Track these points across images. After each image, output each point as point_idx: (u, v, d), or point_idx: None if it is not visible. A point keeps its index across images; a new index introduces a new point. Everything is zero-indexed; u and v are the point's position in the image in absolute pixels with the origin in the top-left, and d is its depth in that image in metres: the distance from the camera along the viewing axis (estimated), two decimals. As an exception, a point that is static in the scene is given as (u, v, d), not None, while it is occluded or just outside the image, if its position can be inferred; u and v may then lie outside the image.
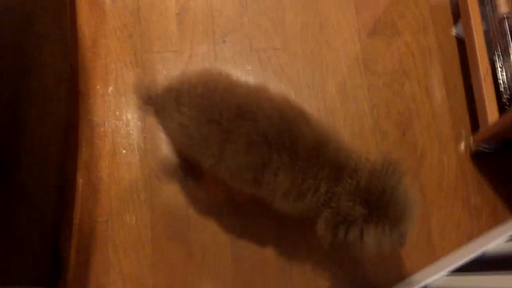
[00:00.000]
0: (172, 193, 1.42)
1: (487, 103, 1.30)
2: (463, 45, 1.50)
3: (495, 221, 1.39)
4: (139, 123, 1.49)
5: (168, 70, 1.53)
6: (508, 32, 1.25)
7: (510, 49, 1.26)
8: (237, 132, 0.96)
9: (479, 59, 1.34)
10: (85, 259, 1.38)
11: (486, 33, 1.39)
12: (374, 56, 1.54)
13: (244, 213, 1.39)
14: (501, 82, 1.31)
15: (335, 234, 0.94)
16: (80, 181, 1.44)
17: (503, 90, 1.30)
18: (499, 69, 1.32)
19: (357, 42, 1.56)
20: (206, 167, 1.08)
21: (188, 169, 1.41)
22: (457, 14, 1.55)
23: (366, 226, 0.91)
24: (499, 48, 1.32)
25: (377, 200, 0.91)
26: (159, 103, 1.06)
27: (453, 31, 1.55)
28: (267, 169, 0.97)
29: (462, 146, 1.45)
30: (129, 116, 1.50)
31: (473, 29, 1.36)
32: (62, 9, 1.51)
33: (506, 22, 1.25)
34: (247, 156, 0.97)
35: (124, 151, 1.46)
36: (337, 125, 1.48)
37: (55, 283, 1.34)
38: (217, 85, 1.01)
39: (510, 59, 1.25)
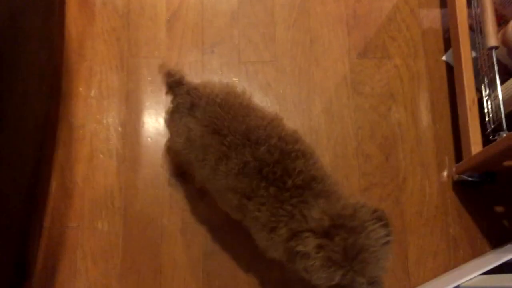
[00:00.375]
0: (148, 202, 1.39)
1: (471, 134, 1.28)
2: (452, 72, 1.49)
3: (473, 254, 1.36)
4: (119, 128, 1.46)
5: (154, 77, 1.51)
6: (495, 64, 1.23)
7: (496, 80, 1.24)
8: (238, 150, 0.96)
9: (466, 89, 1.33)
10: (52, 264, 1.34)
11: (476, 60, 1.38)
12: (362, 77, 1.53)
13: (219, 229, 1.37)
14: (487, 113, 1.30)
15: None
16: (53, 183, 1.41)
17: (487, 121, 1.29)
18: (485, 99, 1.31)
19: (346, 62, 1.54)
20: (198, 178, 1.08)
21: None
22: (449, 39, 1.53)
23: (324, 257, 0.86)
24: (486, 79, 1.31)
25: (356, 253, 0.85)
26: (182, 93, 1.05)
27: (444, 58, 1.54)
28: (253, 197, 0.95)
29: (445, 174, 1.44)
30: (110, 120, 1.47)
31: (462, 58, 1.35)
32: (50, 8, 1.49)
33: (494, 54, 1.24)
34: (238, 177, 0.96)
35: (101, 156, 1.43)
36: (320, 145, 1.46)
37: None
38: (236, 101, 1.01)
39: (497, 90, 1.24)
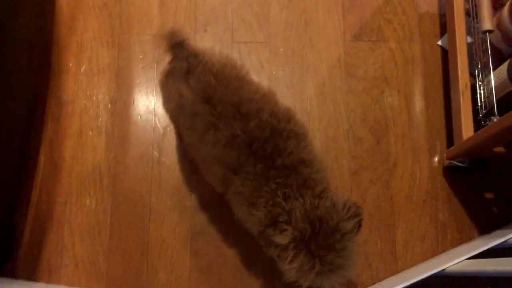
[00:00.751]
0: (137, 179, 1.39)
1: (463, 119, 1.27)
2: (447, 57, 1.47)
3: (461, 239, 1.36)
4: (109, 105, 1.45)
5: (145, 54, 1.49)
6: (489, 49, 1.22)
7: (489, 65, 1.23)
8: (227, 122, 0.94)
9: (459, 73, 1.31)
10: (39, 239, 1.34)
11: (470, 46, 1.37)
12: (356, 60, 1.51)
13: (208, 209, 1.36)
14: (479, 98, 1.29)
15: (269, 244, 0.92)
16: (42, 158, 1.40)
17: (479, 107, 1.28)
18: (478, 84, 1.30)
19: (340, 45, 1.53)
20: (185, 142, 1.08)
21: None
22: (445, 24, 1.52)
23: (297, 254, 0.88)
24: (479, 63, 1.29)
25: (323, 236, 0.88)
26: (180, 58, 1.02)
27: (439, 43, 1.53)
28: (239, 172, 0.95)
29: (436, 160, 1.43)
30: (100, 97, 1.45)
31: (457, 43, 1.34)
32: (41, -19, 1.47)
33: (488, 38, 1.22)
34: (225, 149, 0.94)
35: (90, 132, 1.42)
36: (312, 127, 1.45)
37: (4, 261, 1.29)
38: (232, 73, 1.00)
39: (490, 76, 1.23)
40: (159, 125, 1.43)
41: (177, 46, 1.03)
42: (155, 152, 1.41)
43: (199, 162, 1.09)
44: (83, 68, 1.47)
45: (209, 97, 0.96)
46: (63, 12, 1.52)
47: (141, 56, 1.49)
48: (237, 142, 0.93)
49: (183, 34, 1.03)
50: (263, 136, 0.93)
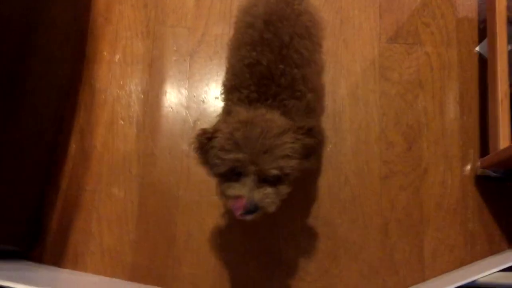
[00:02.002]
0: (165, 171, 1.39)
1: (500, 128, 1.25)
2: (484, 65, 1.45)
3: (490, 250, 1.34)
4: (141, 96, 1.45)
5: (179, 46, 1.49)
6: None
7: (533, 75, 1.21)
8: (263, 50, 1.02)
9: (499, 81, 1.29)
10: (67, 226, 1.34)
11: (510, 54, 1.34)
12: (391, 63, 1.49)
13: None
14: (519, 108, 1.26)
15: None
16: (73, 146, 1.40)
17: (519, 116, 1.25)
18: (518, 94, 1.27)
19: (376, 46, 1.51)
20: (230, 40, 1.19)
21: None
22: (484, 30, 1.49)
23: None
24: (521, 73, 1.27)
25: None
26: None
27: (477, 49, 1.50)
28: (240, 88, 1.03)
29: (468, 168, 1.40)
30: (133, 87, 1.45)
31: (498, 50, 1.31)
32: (79, -32, 1.47)
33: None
34: (243, 67, 1.03)
35: (122, 122, 1.42)
36: (343, 128, 1.43)
37: (30, 245, 1.31)
38: (307, 23, 1.10)
39: (532, 85, 1.20)
40: (190, 119, 1.43)
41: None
42: (184, 145, 1.40)
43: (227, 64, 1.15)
44: (117, 57, 1.48)
45: (271, 22, 1.03)
46: (100, 1, 1.52)
47: (175, 48, 1.49)
48: (256, 69, 1.01)
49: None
50: (275, 83, 1.00)
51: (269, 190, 0.92)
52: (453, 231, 1.36)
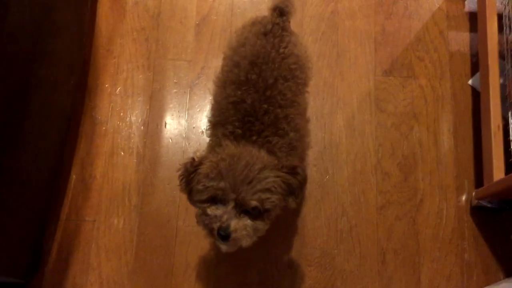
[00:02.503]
0: (164, 202, 1.40)
1: (494, 160, 1.28)
2: (477, 97, 1.48)
3: (487, 281, 1.35)
4: (142, 127, 1.47)
5: (179, 79, 1.52)
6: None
7: (524, 109, 1.24)
8: (248, 89, 1.05)
9: (492, 114, 1.32)
10: (66, 256, 1.35)
11: (503, 87, 1.37)
12: (386, 95, 1.53)
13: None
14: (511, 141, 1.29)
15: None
16: (73, 176, 1.42)
17: (511, 149, 1.28)
18: (511, 126, 1.30)
19: (371, 79, 1.55)
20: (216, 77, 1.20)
21: None
22: (476, 64, 1.53)
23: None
24: (512, 106, 1.30)
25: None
26: (272, 20, 1.16)
27: (470, 82, 1.54)
28: (224, 124, 1.06)
29: (463, 199, 1.43)
30: (133, 118, 1.48)
31: (490, 83, 1.34)
32: (83, 3, 1.51)
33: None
34: (229, 104, 1.06)
35: (122, 153, 1.45)
36: (340, 159, 1.46)
37: (30, 276, 1.31)
38: (291, 65, 1.12)
39: (523, 119, 1.23)
40: (189, 149, 1.45)
41: (279, 11, 1.16)
42: (183, 176, 1.42)
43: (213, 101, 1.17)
44: (118, 89, 1.51)
45: (256, 63, 1.07)
46: (102, 34, 1.57)
47: (175, 81, 1.52)
48: (241, 107, 1.04)
49: (292, 7, 1.19)
50: (258, 120, 1.03)
51: (247, 222, 0.93)
52: (449, 261, 1.37)
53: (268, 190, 0.92)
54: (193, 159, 0.98)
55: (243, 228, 0.92)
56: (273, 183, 0.92)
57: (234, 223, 0.91)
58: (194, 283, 1.33)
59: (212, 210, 0.93)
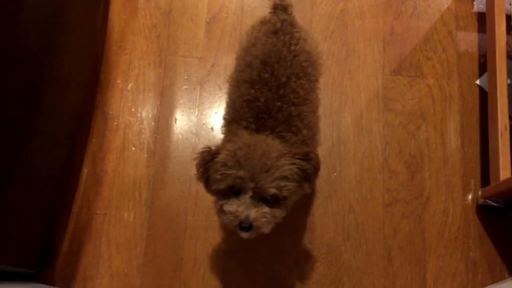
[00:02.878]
0: (174, 196, 1.42)
1: (501, 160, 1.29)
2: (485, 97, 1.50)
3: (492, 279, 1.36)
4: (152, 123, 1.50)
5: (189, 76, 1.54)
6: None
7: (531, 109, 1.25)
8: (261, 88, 1.07)
9: (499, 114, 1.33)
10: (77, 249, 1.38)
11: (510, 87, 1.39)
12: (394, 94, 1.54)
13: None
14: (518, 140, 1.31)
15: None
16: (85, 170, 1.44)
17: (519, 149, 1.30)
18: (518, 127, 1.32)
19: (379, 78, 1.56)
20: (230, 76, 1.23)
21: None
22: (484, 64, 1.55)
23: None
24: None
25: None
26: (279, 17, 1.18)
27: (477, 82, 1.55)
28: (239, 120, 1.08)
29: (470, 197, 1.44)
30: (144, 114, 1.50)
31: (498, 84, 1.36)
32: (96, 0, 1.53)
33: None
34: (243, 102, 1.08)
35: (133, 148, 1.47)
36: (347, 157, 1.47)
37: (42, 267, 1.34)
38: (303, 63, 1.13)
39: (531, 119, 1.25)
40: (199, 145, 1.47)
41: (280, 8, 1.20)
42: (193, 171, 1.44)
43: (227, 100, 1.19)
44: (129, 85, 1.53)
45: (268, 62, 1.08)
46: (114, 31, 1.59)
47: (185, 77, 1.54)
48: (255, 105, 1.06)
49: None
50: (272, 117, 1.05)
51: (266, 209, 0.95)
52: (455, 259, 1.38)
53: (285, 177, 0.94)
54: (209, 148, 1.00)
55: (262, 216, 0.94)
56: (289, 171, 0.95)
57: (254, 212, 0.93)
58: (203, 277, 1.35)
59: (228, 207, 0.95)
